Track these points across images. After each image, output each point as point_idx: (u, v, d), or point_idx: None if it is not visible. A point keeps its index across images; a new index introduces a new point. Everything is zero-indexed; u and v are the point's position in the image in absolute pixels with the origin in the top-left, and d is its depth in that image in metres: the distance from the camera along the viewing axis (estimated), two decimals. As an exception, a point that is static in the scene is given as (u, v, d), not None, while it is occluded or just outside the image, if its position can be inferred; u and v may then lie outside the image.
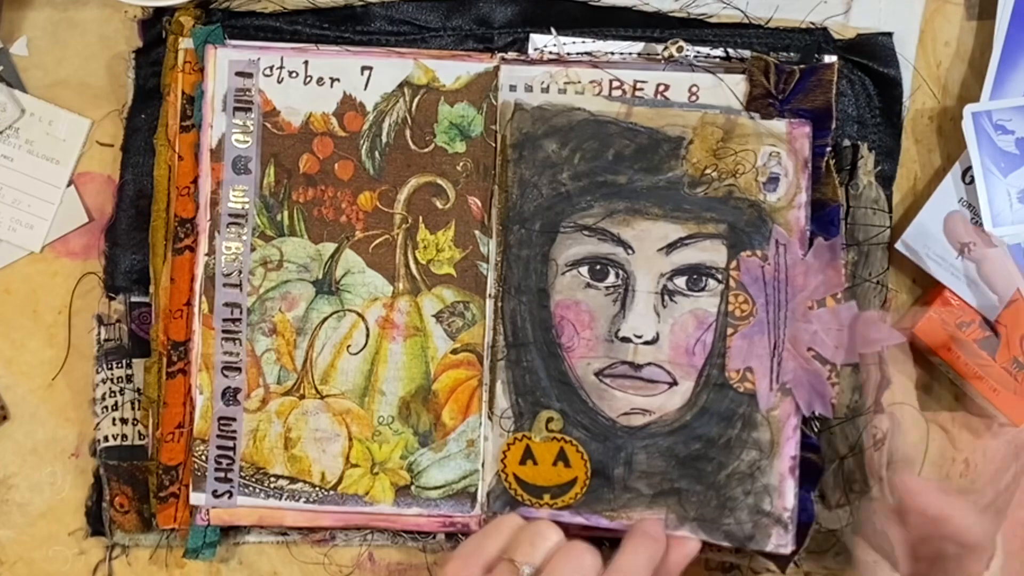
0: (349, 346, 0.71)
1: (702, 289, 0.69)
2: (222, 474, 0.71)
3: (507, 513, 0.68)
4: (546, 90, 0.71)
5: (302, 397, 0.71)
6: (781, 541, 0.68)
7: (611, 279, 0.69)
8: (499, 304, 0.70)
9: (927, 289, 0.73)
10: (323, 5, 0.72)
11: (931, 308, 0.71)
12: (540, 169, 0.70)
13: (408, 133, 0.71)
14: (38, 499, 0.75)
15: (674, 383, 0.69)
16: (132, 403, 0.73)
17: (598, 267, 0.69)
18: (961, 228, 0.70)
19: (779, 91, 0.69)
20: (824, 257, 0.68)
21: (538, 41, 0.72)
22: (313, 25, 0.73)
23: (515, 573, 0.62)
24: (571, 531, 0.66)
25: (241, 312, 0.71)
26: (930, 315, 0.71)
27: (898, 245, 0.71)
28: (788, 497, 0.68)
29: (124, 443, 0.73)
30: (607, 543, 0.68)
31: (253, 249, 0.71)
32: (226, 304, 0.71)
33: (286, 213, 0.71)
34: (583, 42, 0.72)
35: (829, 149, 0.69)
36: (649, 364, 0.69)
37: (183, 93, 0.72)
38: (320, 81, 0.71)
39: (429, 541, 0.73)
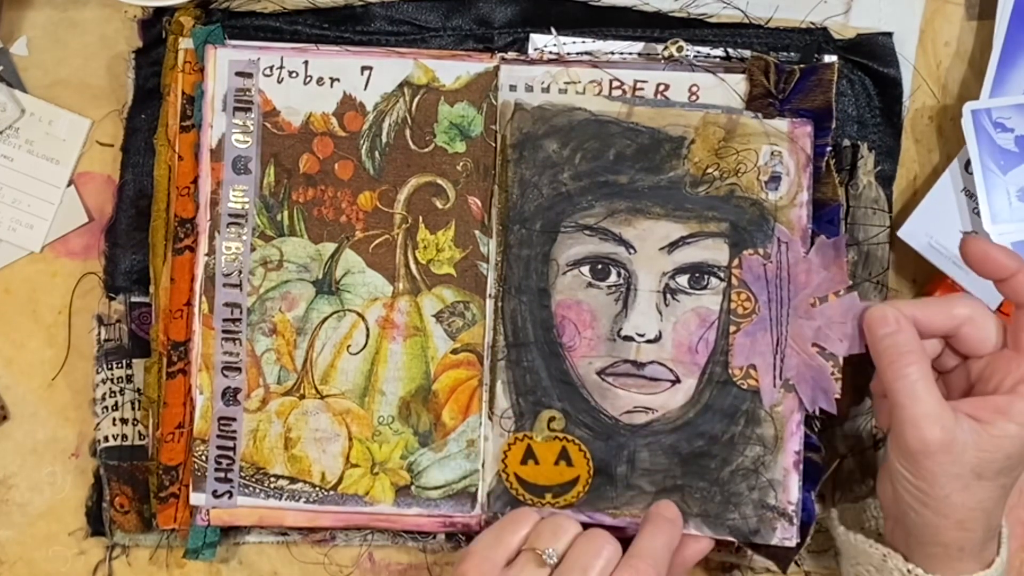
0: (349, 346, 0.71)
1: (704, 287, 0.69)
2: (222, 474, 0.70)
3: (520, 508, 0.68)
4: (546, 90, 0.71)
5: (302, 397, 0.71)
6: (786, 534, 0.68)
7: (613, 278, 0.69)
8: (499, 304, 0.70)
9: (926, 284, 0.73)
10: (323, 5, 0.72)
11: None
12: (540, 169, 0.70)
13: (408, 133, 0.71)
14: (38, 499, 0.74)
15: (677, 381, 0.69)
16: (132, 403, 0.73)
17: (600, 267, 0.69)
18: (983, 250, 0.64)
19: (779, 91, 0.69)
20: (828, 255, 0.68)
21: (538, 41, 0.72)
22: (313, 25, 0.73)
23: (539, 561, 0.62)
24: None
25: (241, 312, 0.71)
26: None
27: (900, 233, 0.71)
28: (792, 491, 0.68)
29: (124, 443, 0.72)
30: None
31: (253, 249, 0.71)
32: (226, 304, 0.71)
33: (286, 213, 0.71)
34: (583, 42, 0.72)
35: (829, 149, 0.69)
36: (652, 362, 0.69)
37: (183, 93, 0.72)
38: (320, 81, 0.71)
39: (429, 541, 0.73)
